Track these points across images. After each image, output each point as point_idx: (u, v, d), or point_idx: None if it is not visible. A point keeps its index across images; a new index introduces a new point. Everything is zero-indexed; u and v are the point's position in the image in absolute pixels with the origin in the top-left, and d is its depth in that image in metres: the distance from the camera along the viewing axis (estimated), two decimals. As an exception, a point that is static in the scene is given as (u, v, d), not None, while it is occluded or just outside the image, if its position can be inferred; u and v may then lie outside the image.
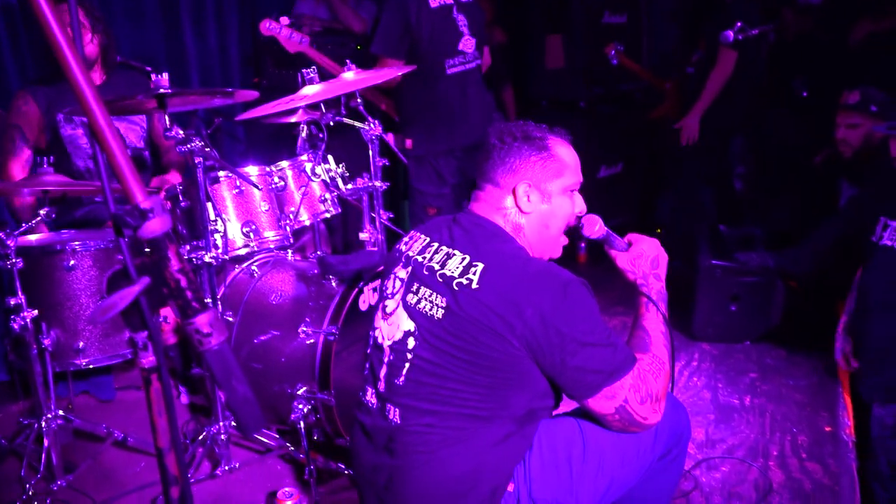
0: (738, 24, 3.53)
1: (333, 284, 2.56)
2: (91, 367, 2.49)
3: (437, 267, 1.60)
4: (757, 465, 2.56)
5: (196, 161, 2.33)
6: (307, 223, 2.74)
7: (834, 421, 2.85)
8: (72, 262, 2.40)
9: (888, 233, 2.55)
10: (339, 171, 2.79)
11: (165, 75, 2.29)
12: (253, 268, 2.78)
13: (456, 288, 1.54)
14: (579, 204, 1.75)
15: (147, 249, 0.81)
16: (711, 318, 3.55)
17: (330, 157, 2.80)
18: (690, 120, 4.18)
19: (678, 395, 3.07)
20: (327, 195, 2.75)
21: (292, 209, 2.67)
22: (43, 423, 2.42)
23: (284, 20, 3.29)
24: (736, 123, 4.32)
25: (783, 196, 4.50)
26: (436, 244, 1.66)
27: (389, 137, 3.23)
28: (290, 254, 2.95)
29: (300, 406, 2.43)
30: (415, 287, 1.63)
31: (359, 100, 2.87)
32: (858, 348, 2.73)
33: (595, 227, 1.79)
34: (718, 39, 3.63)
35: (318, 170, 2.73)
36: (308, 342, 2.45)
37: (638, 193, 5.42)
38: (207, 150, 2.35)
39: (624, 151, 5.19)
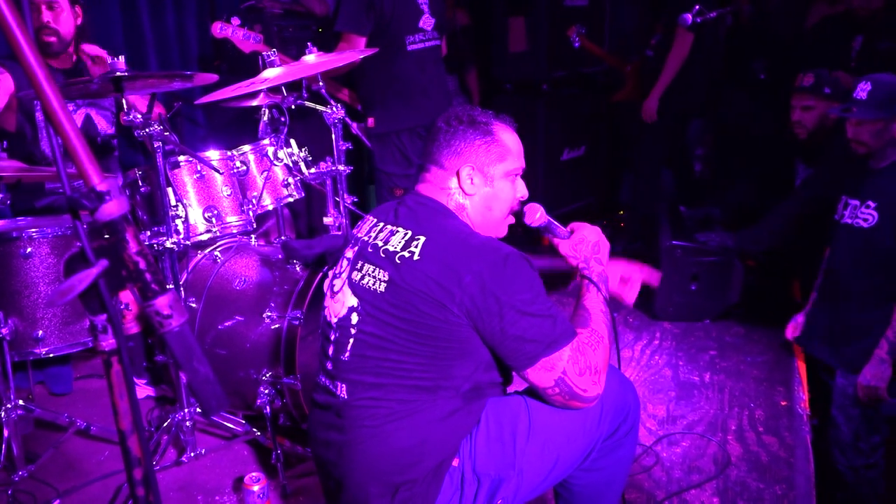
0: (697, 7, 3.58)
1: (298, 269, 2.55)
2: (51, 355, 2.45)
3: (380, 244, 1.64)
4: (716, 440, 2.63)
5: (155, 146, 2.30)
6: (270, 208, 2.72)
7: (789, 395, 2.93)
8: (29, 250, 2.35)
9: (848, 211, 2.63)
10: (302, 155, 2.77)
11: (122, 58, 2.25)
12: (216, 253, 2.76)
13: (398, 261, 1.58)
14: (521, 189, 1.79)
15: (105, 233, 0.80)
16: (672, 297, 3.63)
17: (292, 141, 2.78)
18: (649, 101, 4.24)
19: (640, 374, 3.14)
20: (290, 179, 2.74)
21: (255, 194, 2.65)
22: (2, 414, 2.38)
23: (236, 21, 3.24)
24: (694, 106, 4.39)
25: (741, 177, 4.60)
26: (381, 223, 1.70)
27: (355, 126, 3.21)
28: (253, 239, 2.93)
29: (266, 391, 2.43)
30: (359, 265, 1.67)
31: (321, 83, 2.85)
32: (821, 321, 2.81)
33: (536, 216, 1.84)
34: (676, 22, 3.68)
35: (281, 154, 2.71)
36: (273, 327, 2.45)
37: (601, 176, 5.48)
38: (167, 134, 2.32)
39: (587, 134, 5.23)
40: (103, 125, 3.12)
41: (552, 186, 4.82)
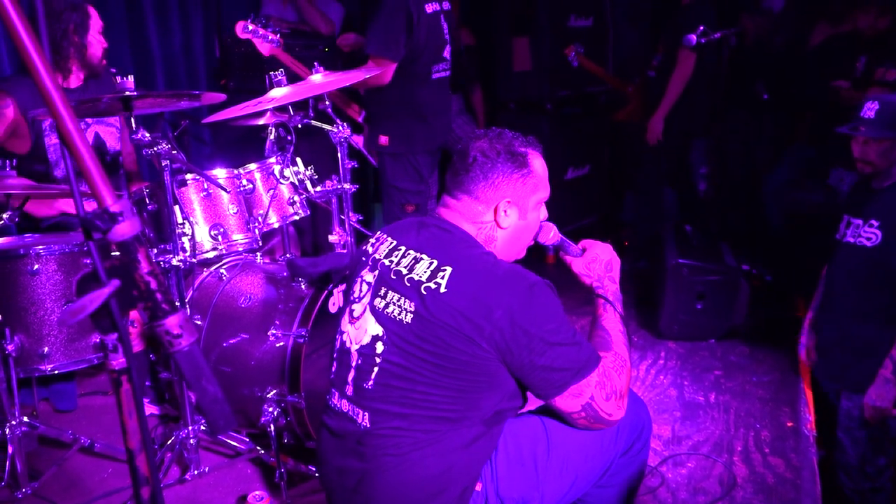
0: (701, 27, 3.60)
1: (303, 287, 2.55)
2: (56, 372, 2.45)
3: (404, 271, 1.60)
4: (722, 461, 2.61)
5: (163, 164, 2.32)
6: (276, 226, 2.73)
7: (795, 416, 2.92)
8: (36, 267, 2.36)
9: (850, 230, 2.62)
10: (308, 173, 2.78)
11: (131, 77, 2.28)
12: (221, 271, 2.76)
13: (424, 292, 1.54)
14: (543, 212, 1.79)
15: (116, 252, 0.81)
16: (677, 316, 3.61)
17: (298, 160, 2.80)
18: (654, 121, 4.25)
19: (645, 393, 3.12)
20: (296, 197, 2.75)
21: (261, 212, 2.66)
22: (7, 430, 2.38)
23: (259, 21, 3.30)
24: (697, 125, 4.40)
25: (746, 197, 4.61)
26: (403, 248, 1.66)
27: (359, 140, 3.22)
28: (258, 256, 2.94)
29: (270, 409, 2.42)
30: (382, 291, 1.63)
31: (327, 102, 2.87)
32: (822, 342, 2.80)
33: (550, 234, 1.85)
34: (680, 42, 3.70)
35: (287, 172, 2.73)
36: (278, 345, 2.45)
37: (605, 194, 5.50)
38: (174, 152, 2.33)
39: (590, 153, 5.26)
40: (111, 142, 3.14)
41: (556, 205, 4.79)
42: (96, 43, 2.97)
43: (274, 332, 2.45)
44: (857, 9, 4.00)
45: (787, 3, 4.59)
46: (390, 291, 1.61)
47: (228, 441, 2.62)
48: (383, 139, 3.47)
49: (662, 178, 4.59)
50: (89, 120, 3.06)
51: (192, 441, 2.47)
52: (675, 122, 4.24)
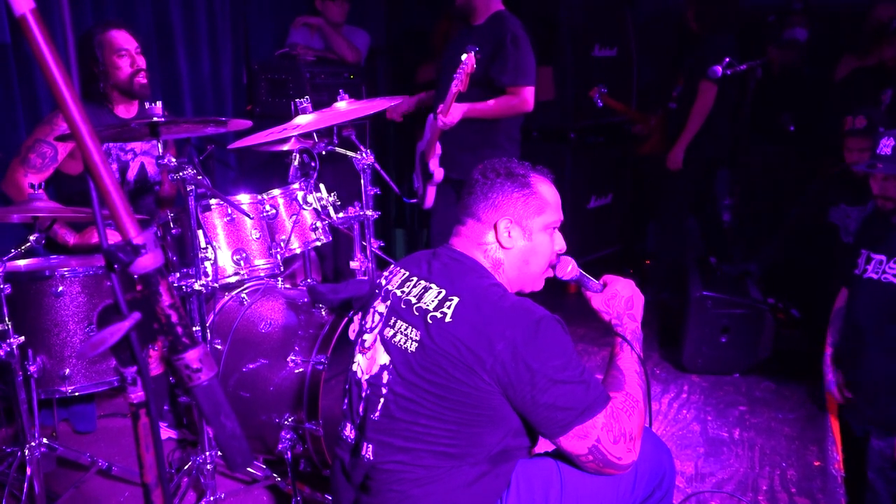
0: (727, 59, 3.59)
1: (323, 313, 2.55)
2: (76, 394, 2.46)
3: (413, 300, 1.60)
4: (746, 500, 2.55)
5: (188, 189, 2.34)
6: (298, 251, 2.74)
7: (823, 455, 2.85)
8: (60, 289, 2.38)
9: (872, 265, 2.56)
10: (331, 199, 2.79)
11: (159, 104, 2.31)
12: (243, 295, 2.77)
13: (430, 321, 1.53)
14: (559, 242, 1.76)
15: (138, 285, 0.80)
16: (701, 349, 3.56)
17: (322, 186, 2.81)
18: (675, 151, 4.23)
19: (667, 428, 3.07)
20: (318, 224, 2.76)
21: (283, 237, 2.67)
22: (26, 451, 2.38)
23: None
24: (720, 156, 4.37)
25: (771, 229, 4.54)
26: (414, 278, 1.65)
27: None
28: (280, 282, 2.95)
29: (287, 436, 2.41)
30: (392, 321, 1.62)
31: (351, 129, 2.89)
32: (853, 381, 2.73)
33: (568, 269, 1.80)
34: (704, 73, 3.69)
35: (310, 198, 2.74)
36: (297, 371, 2.44)
37: (628, 224, 5.47)
38: (199, 177, 2.35)
39: (613, 182, 5.24)
40: (152, 171, 3.17)
41: (579, 234, 4.80)
42: (118, 65, 2.95)
43: (293, 358, 2.44)
44: (883, 41, 3.98)
45: (811, 34, 4.57)
46: (399, 321, 1.60)
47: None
48: None
49: (685, 208, 4.55)
50: (138, 151, 3.09)
51: (208, 466, 2.46)
52: (697, 151, 4.22)
